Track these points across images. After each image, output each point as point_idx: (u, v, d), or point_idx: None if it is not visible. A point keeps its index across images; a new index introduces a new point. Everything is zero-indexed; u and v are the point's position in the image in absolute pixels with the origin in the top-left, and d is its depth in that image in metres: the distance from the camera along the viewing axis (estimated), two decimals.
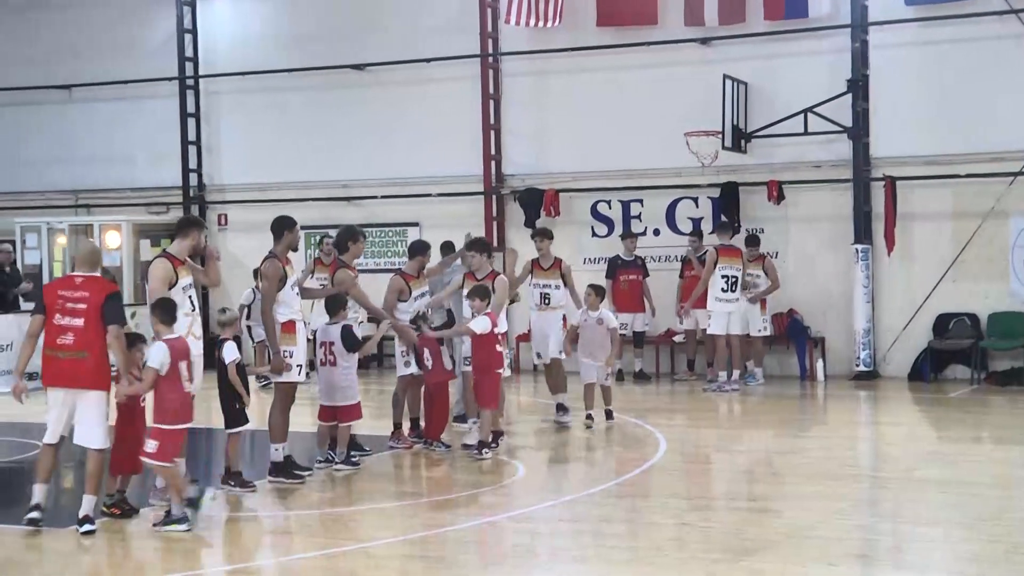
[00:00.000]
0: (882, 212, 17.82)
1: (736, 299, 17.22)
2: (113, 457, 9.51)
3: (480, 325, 12.05)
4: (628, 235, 18.74)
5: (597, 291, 13.95)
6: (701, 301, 17.66)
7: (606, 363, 13.78)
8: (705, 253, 17.77)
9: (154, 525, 9.23)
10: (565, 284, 14.46)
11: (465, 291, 12.66)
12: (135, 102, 22.27)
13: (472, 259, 12.89)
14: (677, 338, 18.70)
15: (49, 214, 22.23)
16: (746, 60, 18.59)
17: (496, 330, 12.24)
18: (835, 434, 14.36)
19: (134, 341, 9.72)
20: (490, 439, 12.13)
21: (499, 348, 12.21)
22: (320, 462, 11.54)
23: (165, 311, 9.44)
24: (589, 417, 13.78)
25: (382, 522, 9.73)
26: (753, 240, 17.75)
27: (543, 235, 14.88)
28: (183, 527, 9.07)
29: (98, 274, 9.57)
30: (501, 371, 12.30)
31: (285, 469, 11.00)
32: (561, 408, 14.07)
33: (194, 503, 9.16)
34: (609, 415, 14.03)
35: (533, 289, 14.58)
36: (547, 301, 14.39)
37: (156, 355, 9.17)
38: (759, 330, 17.50)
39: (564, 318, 14.33)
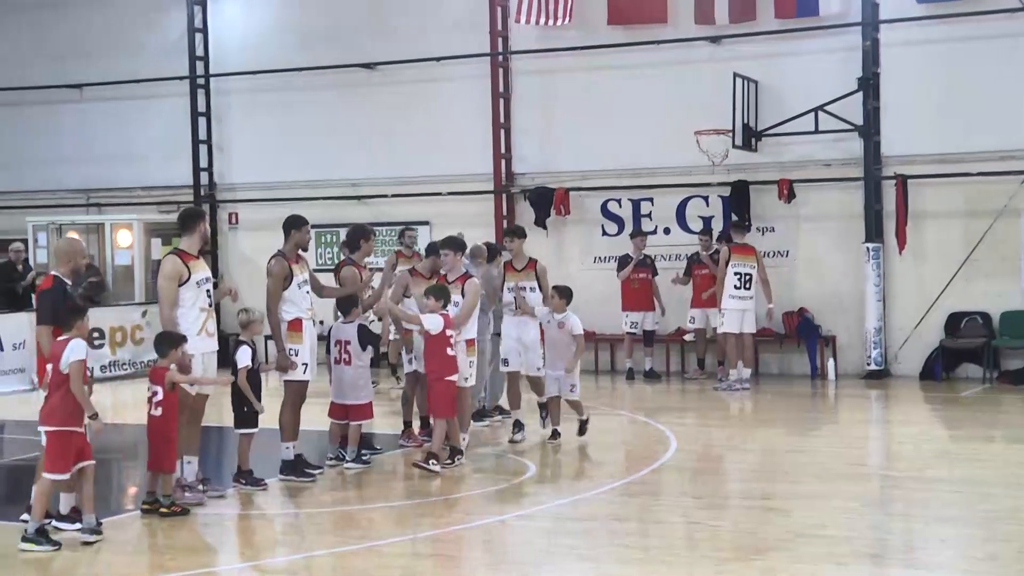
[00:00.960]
0: (893, 210, 17.78)
1: (750, 297, 17.22)
2: (150, 455, 9.62)
3: (431, 323, 11.29)
4: (637, 233, 18.73)
5: (562, 292, 12.69)
6: (711, 300, 17.67)
7: (566, 371, 12.57)
8: (716, 252, 17.77)
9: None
10: (540, 287, 13.20)
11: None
12: (146, 101, 22.32)
13: (444, 258, 12.19)
14: (687, 337, 18.69)
15: (61, 213, 22.28)
16: (756, 58, 18.56)
17: (458, 336, 11.56)
18: (846, 433, 14.33)
19: (178, 341, 9.73)
20: (445, 453, 11.33)
21: (453, 353, 11.33)
22: (331, 460, 11.56)
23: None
24: (555, 435, 12.78)
25: (393, 520, 9.74)
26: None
27: (514, 234, 13.75)
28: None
29: (54, 272, 9.48)
30: (455, 379, 11.39)
31: (296, 467, 11.02)
32: (517, 426, 13.01)
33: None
34: (582, 428, 12.87)
35: (507, 293, 13.24)
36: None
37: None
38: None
39: (541, 326, 13.03)
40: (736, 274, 17.14)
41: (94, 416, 8.77)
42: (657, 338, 18.66)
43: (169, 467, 9.74)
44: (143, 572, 8.47)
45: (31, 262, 20.46)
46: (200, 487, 10.26)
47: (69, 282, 9.42)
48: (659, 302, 18.43)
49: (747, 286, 17.21)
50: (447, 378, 11.31)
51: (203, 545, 9.27)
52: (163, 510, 9.63)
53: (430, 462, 11.06)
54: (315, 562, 8.63)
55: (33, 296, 18.67)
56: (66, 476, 8.84)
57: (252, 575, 8.46)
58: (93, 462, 8.96)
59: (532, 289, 13.13)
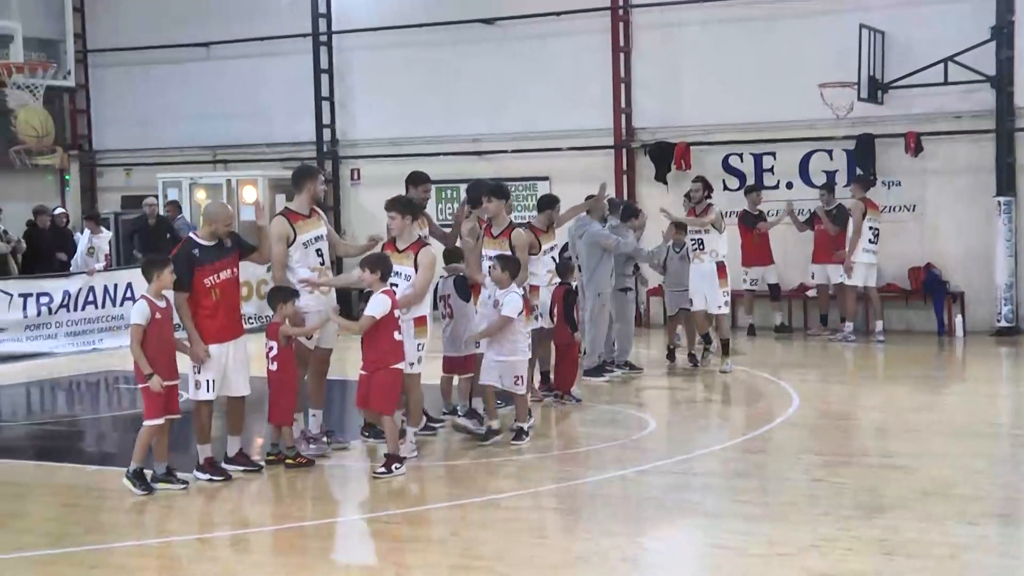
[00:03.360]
0: None
1: (877, 251, 17.09)
2: (270, 408, 9.89)
3: (376, 306, 9.53)
4: (752, 189, 18.44)
5: (504, 264, 10.67)
6: (830, 256, 17.43)
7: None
8: (836, 207, 17.50)
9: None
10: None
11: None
12: (270, 59, 22.62)
13: (391, 221, 10.09)
14: (810, 293, 18.44)
15: (189, 170, 22.76)
16: (883, 8, 18.10)
17: (407, 315, 9.86)
18: (974, 391, 14.03)
19: (288, 295, 9.89)
20: (399, 453, 9.75)
21: (400, 337, 9.66)
22: (445, 414, 11.64)
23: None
24: (491, 432, 10.69)
25: (512, 475, 9.81)
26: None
27: (493, 193, 11.43)
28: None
29: (190, 234, 9.95)
30: (401, 367, 9.68)
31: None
32: (474, 414, 11.21)
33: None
34: (519, 436, 10.66)
35: (484, 261, 11.37)
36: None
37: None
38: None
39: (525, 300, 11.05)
40: (870, 228, 17.01)
41: (150, 376, 9.01)
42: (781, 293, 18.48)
43: (287, 420, 9.92)
44: (266, 520, 8.68)
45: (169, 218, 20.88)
46: (324, 439, 10.44)
47: (206, 243, 9.53)
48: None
49: (877, 240, 17.07)
50: (392, 367, 9.60)
51: (326, 496, 9.46)
52: (288, 461, 9.84)
53: (393, 468, 9.54)
54: (436, 514, 8.75)
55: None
56: (160, 422, 9.12)
57: (375, 526, 8.61)
58: (175, 416, 9.29)
59: (407, 278, 10.22)
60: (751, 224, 18.17)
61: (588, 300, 13.77)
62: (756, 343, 17.51)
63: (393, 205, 10.10)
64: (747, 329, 18.13)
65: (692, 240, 14.60)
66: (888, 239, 18.07)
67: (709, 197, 14.81)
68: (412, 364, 9.95)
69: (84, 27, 24.27)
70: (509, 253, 11.06)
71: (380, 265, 9.69)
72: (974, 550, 7.56)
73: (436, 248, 11.10)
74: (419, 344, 9.99)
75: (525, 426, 10.76)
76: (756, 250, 18.13)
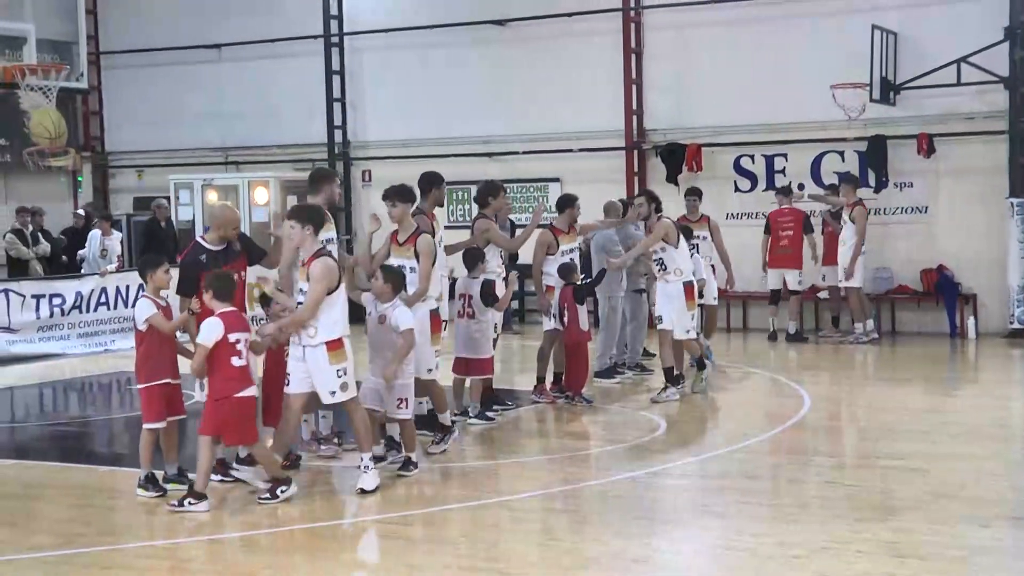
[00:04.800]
0: None
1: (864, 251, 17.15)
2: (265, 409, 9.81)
3: (205, 333, 8.66)
4: (783, 190, 18.20)
5: (388, 275, 9.59)
6: (835, 257, 17.34)
7: (384, 378, 9.42)
8: (840, 209, 17.43)
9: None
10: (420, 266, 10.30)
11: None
12: (282, 60, 22.65)
13: (290, 230, 9.17)
14: (821, 295, 18.39)
15: (200, 171, 22.79)
16: (896, 9, 18.07)
17: (312, 338, 8.98)
18: (987, 393, 13.99)
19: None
20: (281, 476, 9.01)
21: (242, 363, 8.76)
22: (456, 415, 11.65)
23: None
24: (376, 459, 9.44)
25: (524, 475, 9.80)
26: (694, 192, 16.15)
27: (395, 196, 10.28)
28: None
29: (198, 238, 9.80)
30: (250, 393, 8.86)
31: (429, 422, 11.14)
32: (391, 443, 10.14)
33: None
34: (408, 465, 9.65)
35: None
36: (404, 291, 10.06)
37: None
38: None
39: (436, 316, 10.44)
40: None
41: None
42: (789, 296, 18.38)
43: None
44: (277, 521, 8.66)
45: (173, 219, 20.96)
46: (335, 440, 10.45)
47: (214, 248, 9.46)
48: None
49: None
50: (237, 395, 8.66)
51: (336, 497, 9.45)
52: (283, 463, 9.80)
53: (278, 492, 8.90)
54: (448, 515, 8.74)
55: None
56: (162, 425, 9.10)
57: (386, 527, 8.61)
58: (180, 416, 9.29)
59: (412, 269, 10.12)
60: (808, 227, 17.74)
61: (600, 302, 13.78)
62: (773, 346, 17.44)
63: (293, 214, 9.25)
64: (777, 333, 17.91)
65: (654, 260, 12.86)
66: (900, 240, 18.08)
67: (659, 211, 13.22)
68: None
69: (97, 29, 24.36)
70: (414, 262, 10.09)
71: (223, 285, 8.81)
72: (987, 553, 7.53)
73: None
74: (340, 370, 8.99)
75: (414, 456, 9.68)
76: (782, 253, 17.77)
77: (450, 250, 11.81)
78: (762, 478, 9.69)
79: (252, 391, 8.81)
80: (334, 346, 8.93)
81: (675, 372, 12.76)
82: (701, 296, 13.60)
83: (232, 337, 8.64)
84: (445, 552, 7.87)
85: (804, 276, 17.85)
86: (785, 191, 18.02)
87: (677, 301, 12.63)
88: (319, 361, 8.93)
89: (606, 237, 13.83)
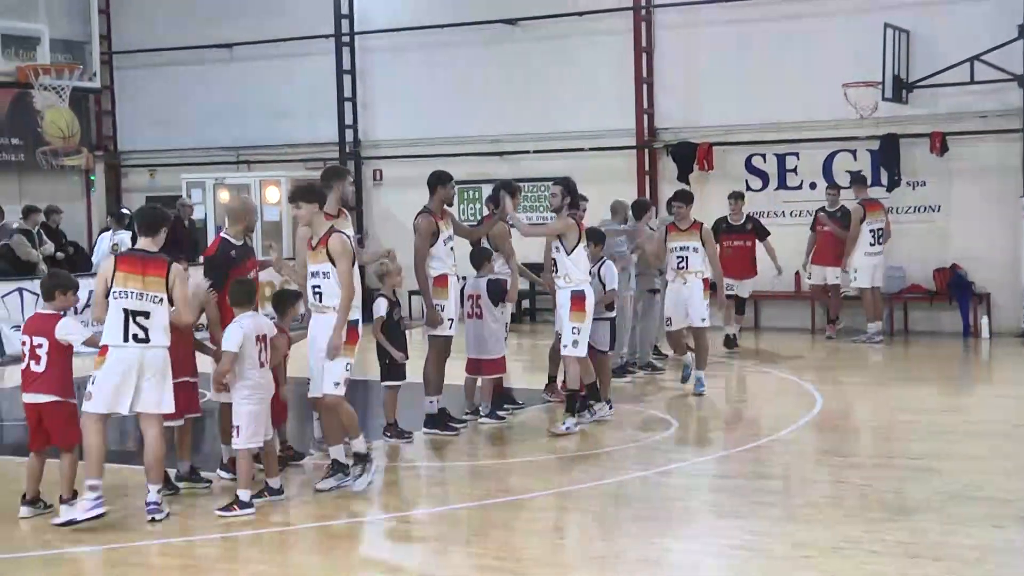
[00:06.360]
0: None
1: (880, 252, 17.03)
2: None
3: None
4: (834, 186, 17.89)
5: (281, 298, 9.63)
6: (832, 258, 17.25)
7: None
8: (839, 209, 17.36)
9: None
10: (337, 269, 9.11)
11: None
12: (293, 60, 22.66)
13: (297, 211, 9.06)
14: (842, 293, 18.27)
15: (212, 170, 22.82)
16: (908, 7, 18.01)
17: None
18: (1001, 392, 13.93)
19: (295, 299, 9.80)
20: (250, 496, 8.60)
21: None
22: (468, 414, 11.65)
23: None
24: (264, 493, 8.86)
25: (535, 475, 9.78)
26: (684, 196, 13.68)
27: (299, 196, 9.11)
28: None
29: (223, 234, 9.59)
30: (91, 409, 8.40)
31: (440, 422, 11.14)
32: (338, 467, 9.32)
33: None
34: (263, 492, 8.83)
35: (309, 280, 9.31)
36: (318, 298, 9.13)
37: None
38: (702, 320, 13.06)
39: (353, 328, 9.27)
40: (870, 231, 16.95)
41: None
42: (800, 295, 18.31)
43: (279, 419, 9.75)
44: (290, 519, 8.66)
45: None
46: (346, 439, 10.42)
47: (238, 243, 9.39)
48: (774, 260, 17.38)
49: (880, 241, 17.01)
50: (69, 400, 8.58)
51: (348, 495, 9.43)
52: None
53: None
54: (459, 514, 8.73)
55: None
56: (179, 423, 9.05)
57: (398, 526, 8.60)
58: (196, 415, 9.28)
59: (326, 275, 9.01)
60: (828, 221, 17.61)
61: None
62: (785, 345, 17.40)
63: (294, 196, 9.02)
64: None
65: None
66: (913, 240, 18.00)
67: (574, 206, 11.59)
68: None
69: (109, 29, 24.40)
70: (331, 268, 8.96)
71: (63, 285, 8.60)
72: (1001, 553, 7.49)
73: (460, 247, 11.15)
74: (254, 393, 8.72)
75: (272, 483, 8.94)
76: (821, 251, 17.61)
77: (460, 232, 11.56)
78: (773, 477, 9.66)
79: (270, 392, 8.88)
80: (350, 339, 9.04)
81: (575, 397, 11.28)
82: (612, 309, 12.17)
83: (254, 341, 8.71)
84: (456, 551, 7.86)
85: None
86: (861, 180, 17.57)
87: (563, 309, 11.19)
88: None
89: (611, 236, 13.72)
